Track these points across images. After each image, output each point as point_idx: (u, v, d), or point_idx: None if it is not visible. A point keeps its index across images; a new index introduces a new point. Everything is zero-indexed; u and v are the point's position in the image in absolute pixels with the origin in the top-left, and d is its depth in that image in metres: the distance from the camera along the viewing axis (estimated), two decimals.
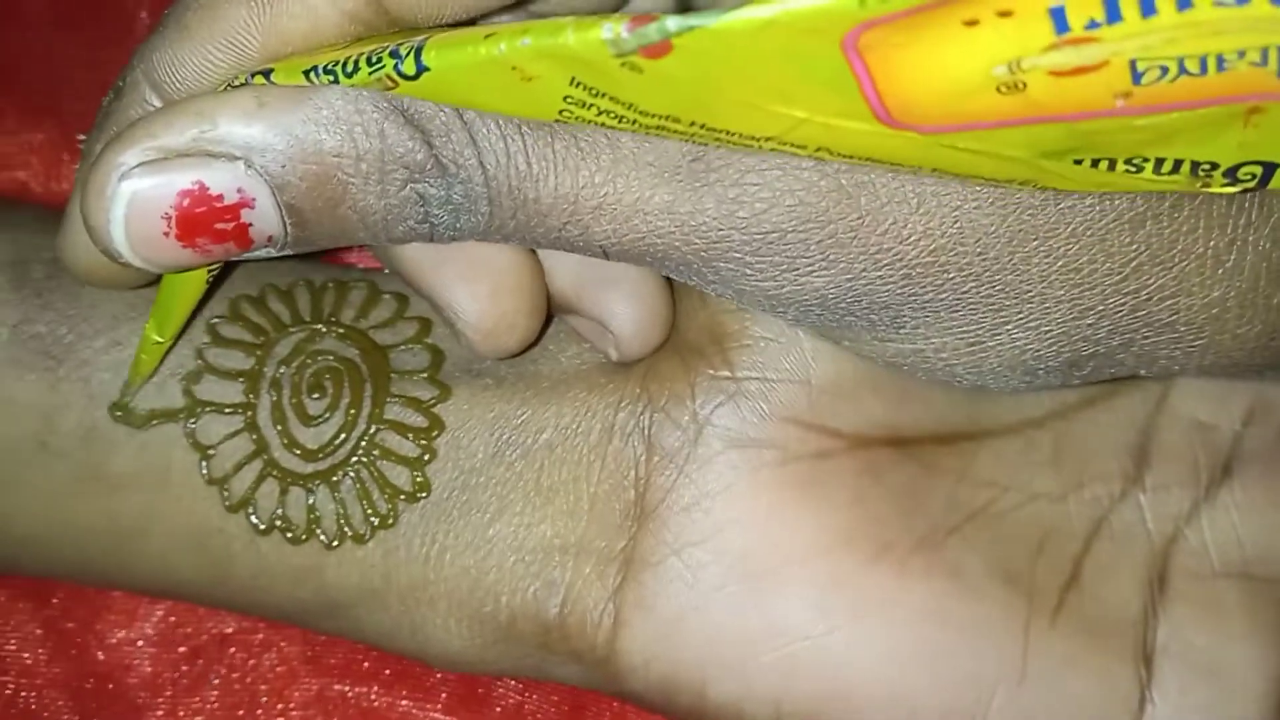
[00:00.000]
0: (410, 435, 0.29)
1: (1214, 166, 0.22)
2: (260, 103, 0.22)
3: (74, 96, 0.35)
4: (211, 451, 0.29)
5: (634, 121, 0.22)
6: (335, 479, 0.29)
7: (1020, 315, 0.25)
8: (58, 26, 0.35)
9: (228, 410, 0.29)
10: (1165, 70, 0.19)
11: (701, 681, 0.28)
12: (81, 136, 0.33)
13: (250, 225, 0.22)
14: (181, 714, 0.33)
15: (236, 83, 0.23)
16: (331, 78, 0.22)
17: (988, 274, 0.24)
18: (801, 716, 0.28)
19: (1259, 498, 0.30)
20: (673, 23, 0.19)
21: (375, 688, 0.33)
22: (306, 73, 0.22)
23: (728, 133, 0.22)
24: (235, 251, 0.23)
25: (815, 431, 0.28)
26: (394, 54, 0.21)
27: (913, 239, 0.24)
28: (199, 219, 0.22)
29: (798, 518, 0.28)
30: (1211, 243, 0.24)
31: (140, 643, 0.33)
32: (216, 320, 0.29)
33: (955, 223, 0.24)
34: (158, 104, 0.24)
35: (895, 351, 0.26)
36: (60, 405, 0.29)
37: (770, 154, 0.23)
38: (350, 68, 0.22)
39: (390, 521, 0.29)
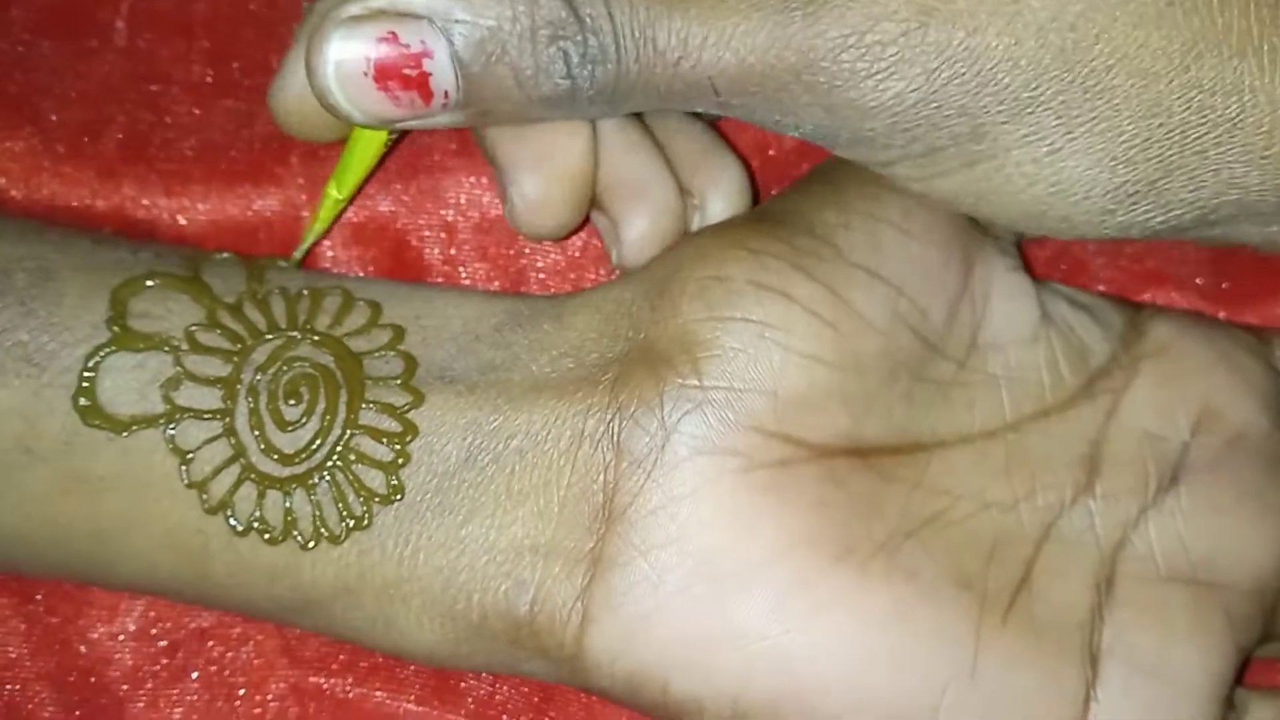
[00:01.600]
0: (384, 440, 0.30)
1: None
2: None
3: (53, 105, 0.35)
4: (191, 456, 0.29)
5: None
6: (311, 482, 0.29)
7: (1092, 113, 0.27)
8: (37, 34, 0.35)
9: (206, 416, 0.29)
10: None
11: (664, 678, 0.29)
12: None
13: (430, 75, 0.27)
14: (162, 705, 0.34)
15: None
16: None
17: (1054, 69, 0.27)
18: (759, 713, 0.29)
19: (1204, 505, 0.31)
20: None
21: (350, 680, 0.34)
22: None
23: None
24: (420, 104, 0.27)
25: (779, 440, 0.29)
26: None
27: (981, 31, 0.26)
28: (391, 63, 0.27)
29: (760, 522, 0.29)
30: (1268, 37, 0.26)
31: (121, 637, 0.34)
32: (194, 328, 0.30)
33: (1018, 16, 0.26)
34: None
35: (982, 174, 0.28)
36: (43, 411, 0.29)
37: None
38: None
39: (365, 523, 0.29)
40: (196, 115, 0.35)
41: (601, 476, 0.29)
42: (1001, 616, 0.29)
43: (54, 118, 0.35)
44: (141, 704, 0.34)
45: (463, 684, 0.34)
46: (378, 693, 0.34)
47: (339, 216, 0.33)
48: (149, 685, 0.34)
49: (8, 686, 0.33)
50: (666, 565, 0.29)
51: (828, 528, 0.29)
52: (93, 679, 0.34)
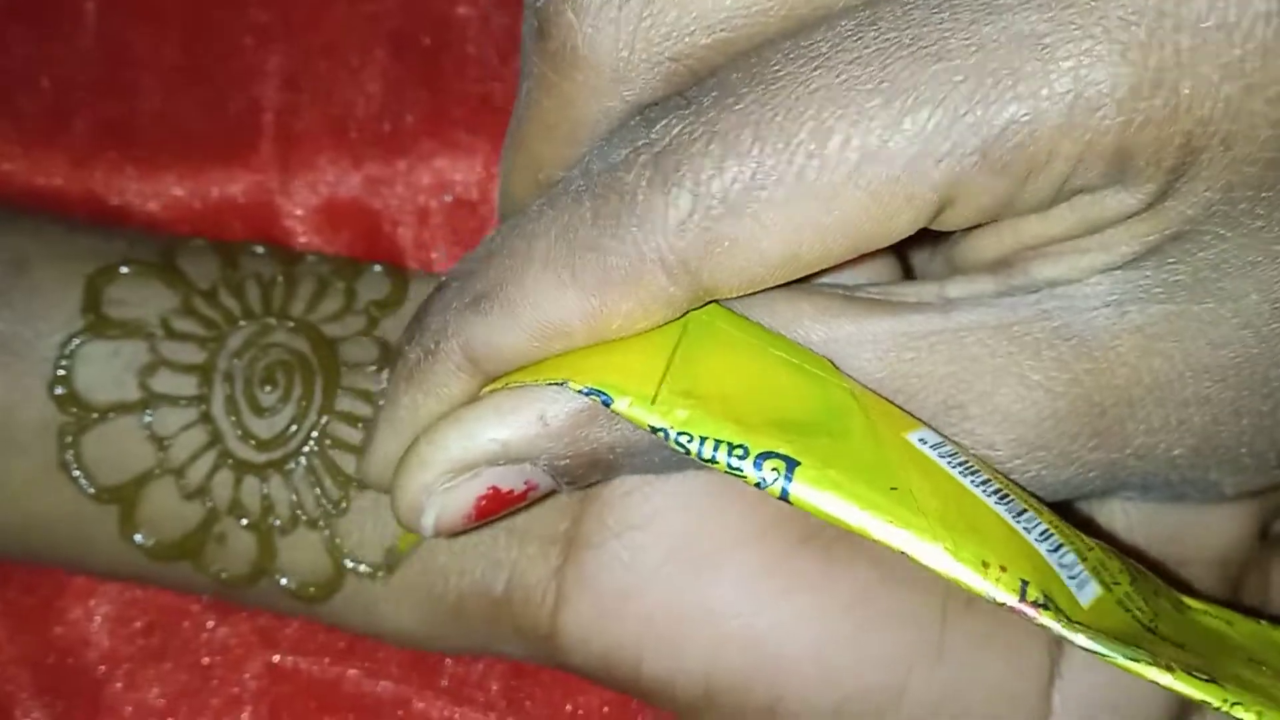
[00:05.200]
0: (360, 425, 0.30)
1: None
2: (544, 421, 0.24)
3: (25, 91, 0.35)
4: (168, 442, 0.30)
5: None
6: (288, 468, 0.30)
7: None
8: (7, 20, 0.35)
9: (183, 402, 0.30)
10: None
11: (637, 657, 0.29)
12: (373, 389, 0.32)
13: (531, 491, 0.26)
14: (139, 686, 0.34)
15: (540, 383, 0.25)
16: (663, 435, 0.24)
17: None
18: (729, 691, 0.29)
19: None
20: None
21: (327, 660, 0.34)
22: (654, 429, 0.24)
23: None
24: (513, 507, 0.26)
25: None
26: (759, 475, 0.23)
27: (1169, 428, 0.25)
28: (493, 509, 0.26)
29: (731, 505, 0.29)
30: None
31: (98, 619, 0.34)
32: (169, 315, 0.30)
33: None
34: (466, 380, 0.25)
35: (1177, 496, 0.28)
36: (21, 400, 0.29)
37: None
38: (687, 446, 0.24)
39: (343, 507, 0.30)
40: (168, 100, 0.35)
41: None
42: (967, 597, 0.30)
43: (25, 104, 0.35)
44: (119, 685, 0.34)
45: (439, 663, 0.34)
46: (354, 672, 0.34)
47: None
48: (126, 666, 0.34)
49: None
50: (639, 546, 0.29)
51: (793, 511, 0.29)
52: (70, 660, 0.34)
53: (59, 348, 0.30)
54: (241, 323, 0.30)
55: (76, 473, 0.30)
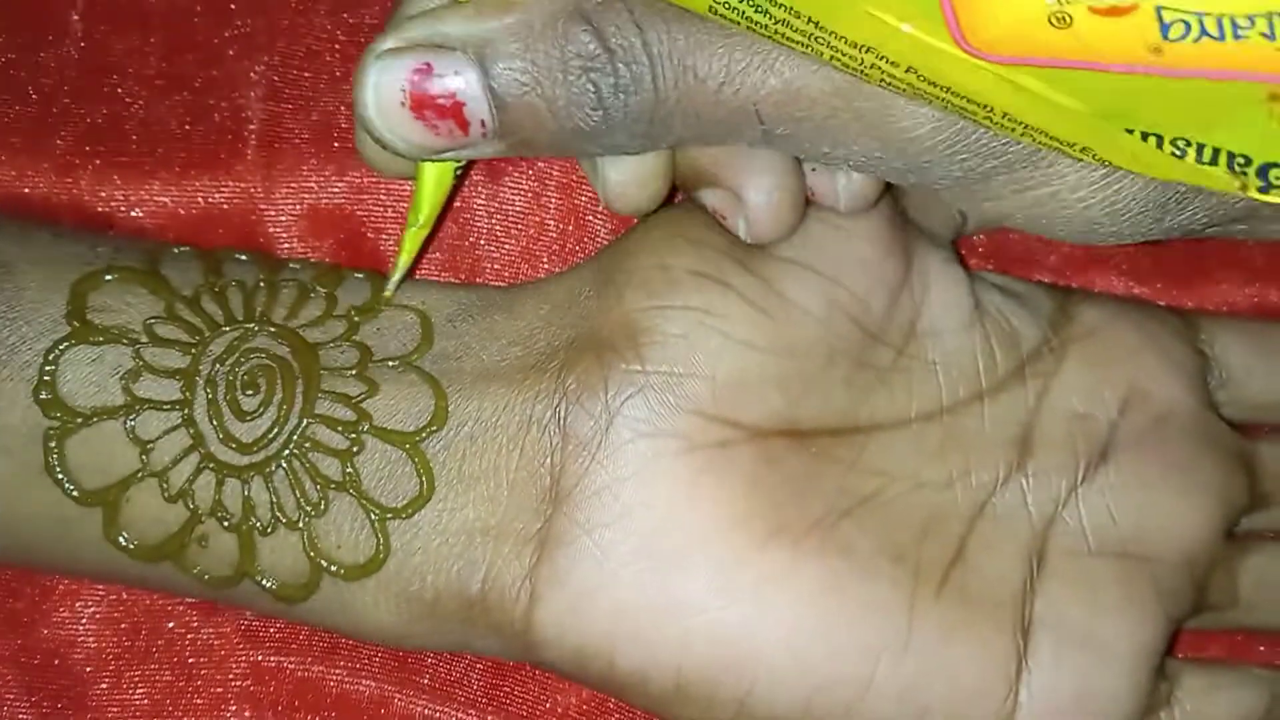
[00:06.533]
0: (340, 429, 0.30)
1: (1248, 161, 0.24)
2: (478, 9, 0.27)
3: (10, 99, 0.35)
4: (151, 446, 0.30)
5: (765, 13, 0.25)
6: (269, 470, 0.30)
7: None
8: None
9: (165, 407, 0.30)
10: (1188, 28, 0.21)
11: (610, 651, 0.30)
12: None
13: (464, 105, 0.27)
14: (125, 687, 0.34)
15: None
16: None
17: None
18: (700, 684, 0.30)
19: (1133, 481, 0.32)
20: None
21: (310, 659, 0.34)
22: None
23: (834, 35, 0.24)
24: (458, 134, 0.28)
25: (717, 423, 0.30)
26: None
27: None
28: (424, 93, 0.27)
29: (700, 501, 0.30)
30: None
31: (85, 620, 0.34)
32: (153, 321, 0.31)
33: None
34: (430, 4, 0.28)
35: (1034, 200, 0.27)
36: (5, 405, 0.30)
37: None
38: None
39: (321, 509, 0.30)
40: (153, 108, 0.35)
41: (549, 459, 0.30)
42: (935, 590, 0.30)
43: (10, 111, 0.35)
44: (105, 685, 0.34)
45: (421, 662, 0.35)
46: (337, 671, 0.34)
47: (425, 248, 0.33)
48: (112, 667, 0.34)
49: None
50: (610, 543, 0.30)
51: (762, 506, 0.30)
52: (56, 661, 0.34)
53: (44, 353, 0.30)
54: (224, 328, 0.31)
55: (61, 476, 0.30)
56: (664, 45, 0.26)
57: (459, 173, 0.31)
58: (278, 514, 0.30)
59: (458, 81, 0.27)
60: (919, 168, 0.27)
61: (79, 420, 0.30)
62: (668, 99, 0.27)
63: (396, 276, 0.32)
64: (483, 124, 0.27)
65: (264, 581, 0.31)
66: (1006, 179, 0.27)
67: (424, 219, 0.31)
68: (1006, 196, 0.28)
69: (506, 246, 0.36)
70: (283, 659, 0.34)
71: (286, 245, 0.35)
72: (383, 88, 0.27)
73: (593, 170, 0.30)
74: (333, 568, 0.30)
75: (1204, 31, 0.21)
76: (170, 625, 0.35)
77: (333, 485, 0.30)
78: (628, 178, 0.30)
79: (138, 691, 0.34)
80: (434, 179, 0.31)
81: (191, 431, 0.30)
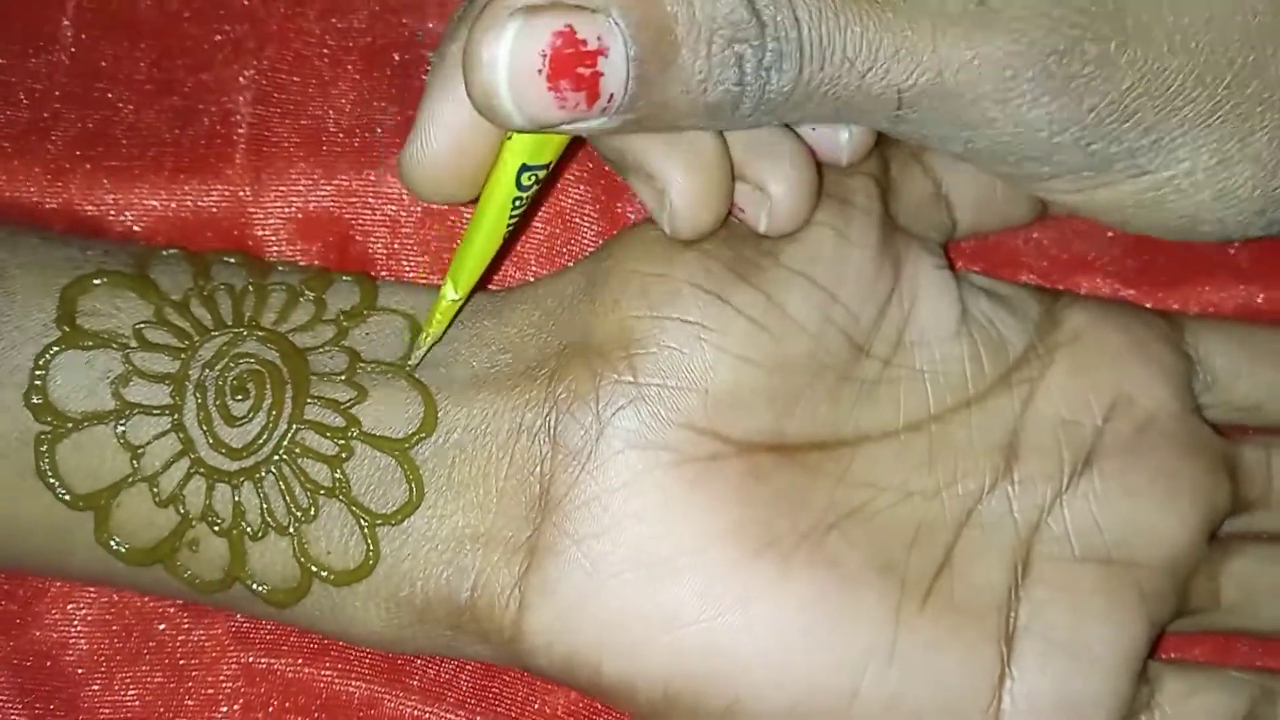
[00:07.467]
0: (329, 434, 0.30)
1: None
2: None
3: (1, 104, 0.35)
4: (141, 450, 0.30)
5: None
6: (259, 476, 0.30)
7: (1264, 122, 0.27)
8: None
9: (155, 411, 0.30)
10: None
11: (598, 660, 0.30)
12: None
13: (602, 75, 0.25)
14: (116, 688, 0.34)
15: None
16: None
17: (1236, 80, 0.27)
18: (687, 694, 0.30)
19: (1117, 487, 0.32)
20: None
21: (300, 660, 0.35)
22: None
23: None
24: (584, 106, 0.25)
25: (708, 436, 0.30)
26: None
27: (1172, 52, 0.26)
28: (567, 59, 0.24)
29: (689, 514, 0.30)
30: None
31: (76, 623, 0.34)
32: (142, 325, 0.31)
33: (1207, 32, 0.26)
34: None
35: (1147, 186, 0.28)
36: None
37: None
38: None
39: (311, 514, 0.30)
40: (142, 113, 0.35)
41: (538, 468, 0.30)
42: (921, 600, 0.31)
43: (2, 118, 0.35)
44: (96, 686, 0.34)
45: (411, 663, 0.35)
46: (327, 672, 0.35)
47: (454, 318, 0.31)
48: (104, 669, 0.34)
49: None
50: (600, 553, 0.30)
51: (751, 521, 0.30)
52: (48, 663, 0.34)
53: (34, 358, 0.30)
54: (213, 333, 0.31)
55: (52, 480, 0.30)
56: (814, 22, 0.25)
57: (509, 232, 0.30)
58: (268, 519, 0.30)
59: (600, 48, 0.24)
60: (1041, 155, 0.27)
61: (70, 425, 0.30)
62: (810, 80, 0.26)
63: (422, 351, 0.31)
64: (612, 97, 0.25)
65: (254, 586, 0.31)
66: (1125, 166, 0.27)
67: (462, 289, 0.30)
68: (1119, 183, 0.28)
69: None
70: (273, 660, 0.35)
71: (275, 249, 0.35)
72: (520, 54, 0.24)
73: (648, 189, 0.29)
74: (323, 573, 0.30)
75: None
76: (161, 627, 0.35)
77: (322, 491, 0.30)
78: (694, 200, 0.29)
79: (129, 693, 0.34)
80: (489, 242, 0.29)
81: (181, 436, 0.30)
